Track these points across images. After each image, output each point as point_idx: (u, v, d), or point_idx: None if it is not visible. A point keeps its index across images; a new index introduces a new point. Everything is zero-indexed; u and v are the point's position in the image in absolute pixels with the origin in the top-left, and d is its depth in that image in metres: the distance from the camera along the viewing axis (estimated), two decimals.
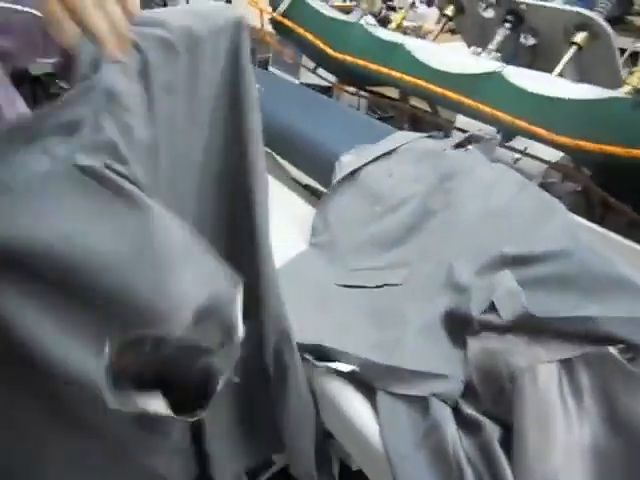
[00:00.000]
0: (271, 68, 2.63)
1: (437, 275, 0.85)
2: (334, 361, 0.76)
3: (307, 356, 0.76)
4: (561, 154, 1.39)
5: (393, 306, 0.85)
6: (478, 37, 1.60)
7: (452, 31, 2.66)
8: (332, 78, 2.10)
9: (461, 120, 1.58)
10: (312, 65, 2.05)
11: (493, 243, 0.82)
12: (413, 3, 1.97)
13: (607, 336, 0.61)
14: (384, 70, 1.49)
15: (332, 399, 0.75)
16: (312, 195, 1.27)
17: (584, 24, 1.28)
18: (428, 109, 1.74)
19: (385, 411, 0.70)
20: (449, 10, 1.56)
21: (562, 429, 0.59)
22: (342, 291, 0.94)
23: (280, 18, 1.79)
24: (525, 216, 0.85)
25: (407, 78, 1.46)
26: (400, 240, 0.97)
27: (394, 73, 1.47)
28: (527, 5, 1.36)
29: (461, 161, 1.00)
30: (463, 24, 1.61)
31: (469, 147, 1.05)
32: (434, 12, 3.17)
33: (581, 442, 0.59)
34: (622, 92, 1.14)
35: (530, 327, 0.66)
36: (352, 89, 2.06)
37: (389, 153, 1.12)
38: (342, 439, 0.77)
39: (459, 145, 1.08)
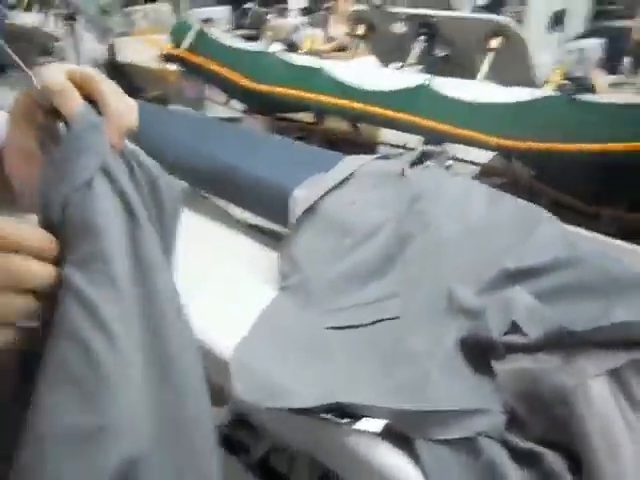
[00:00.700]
0: (171, 107, 2.54)
1: (436, 302, 0.81)
2: (358, 417, 0.70)
3: (325, 416, 0.69)
4: (491, 154, 1.43)
5: (398, 342, 0.80)
6: (390, 53, 1.62)
7: (342, 49, 2.71)
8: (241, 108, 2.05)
9: (384, 135, 1.59)
10: (221, 98, 1.99)
11: (488, 260, 0.80)
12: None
13: None
14: (309, 96, 1.46)
15: (363, 459, 0.68)
16: (264, 235, 1.20)
17: (499, 30, 1.32)
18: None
19: (429, 461, 0.64)
20: (360, 30, 1.57)
21: (630, 446, 0.57)
22: (336, 335, 0.87)
23: (185, 54, 1.71)
24: (511, 227, 0.84)
25: (333, 101, 1.44)
26: (381, 271, 0.93)
27: (322, 97, 1.44)
28: (441, 17, 1.39)
29: (425, 180, 0.98)
30: (375, 42, 1.63)
31: (428, 164, 1.04)
32: (319, 33, 3.24)
33: None
34: (549, 90, 1.19)
35: (562, 342, 0.64)
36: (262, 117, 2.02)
37: (345, 180, 1.08)
38: None
39: (414, 164, 1.06)
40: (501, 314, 0.70)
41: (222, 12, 4.18)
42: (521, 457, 0.62)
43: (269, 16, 3.92)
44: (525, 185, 1.30)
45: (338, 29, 3.54)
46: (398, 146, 1.57)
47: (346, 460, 0.69)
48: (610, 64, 2.80)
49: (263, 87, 1.61)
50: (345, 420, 0.69)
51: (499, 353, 0.68)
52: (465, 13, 1.42)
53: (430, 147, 1.08)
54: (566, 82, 1.34)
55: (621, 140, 1.10)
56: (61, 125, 0.41)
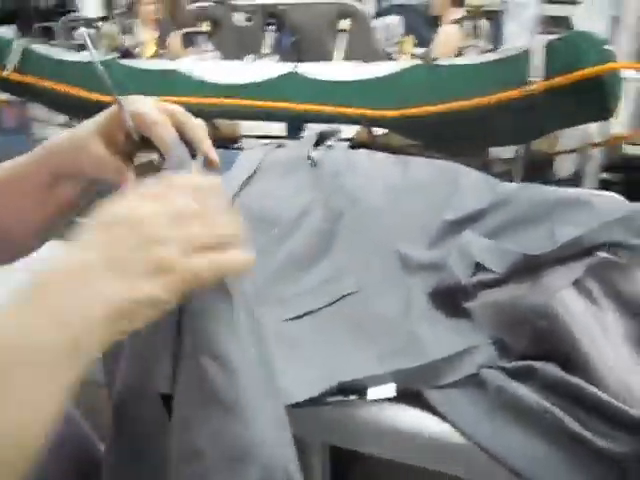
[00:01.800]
0: None
1: (390, 267, 0.86)
2: (362, 392, 0.71)
3: (334, 399, 0.70)
4: (357, 128, 1.53)
5: (367, 314, 0.83)
6: (239, 47, 1.62)
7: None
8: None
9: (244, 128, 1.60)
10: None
11: (426, 217, 0.86)
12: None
13: (594, 246, 0.70)
14: (170, 99, 1.40)
15: (386, 427, 0.70)
16: None
17: (346, 12, 1.40)
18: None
19: (444, 406, 0.69)
20: (205, 26, 1.54)
21: (608, 344, 0.67)
22: (298, 324, 0.87)
23: (12, 76, 1.52)
24: (435, 184, 0.91)
25: (196, 100, 1.40)
26: (321, 252, 0.95)
27: (183, 99, 1.39)
28: (288, 5, 1.43)
29: (336, 158, 1.02)
30: (221, 38, 1.61)
31: (330, 143, 1.07)
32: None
33: (619, 338, 0.67)
34: (409, 61, 1.30)
35: (526, 269, 0.72)
36: None
37: (252, 175, 1.07)
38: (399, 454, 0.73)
39: (316, 145, 1.09)
40: (462, 259, 0.77)
41: (7, 32, 3.77)
42: (518, 376, 0.69)
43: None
44: (397, 151, 1.40)
45: (147, 34, 3.40)
46: (262, 137, 1.59)
47: (369, 435, 0.71)
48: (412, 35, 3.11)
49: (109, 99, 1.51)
50: (354, 397, 0.70)
51: (471, 295, 0.75)
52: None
53: (326, 128, 1.12)
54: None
55: (470, 96, 1.24)
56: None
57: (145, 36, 3.49)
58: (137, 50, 2.06)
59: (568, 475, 0.61)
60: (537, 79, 1.09)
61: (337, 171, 0.99)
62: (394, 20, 3.19)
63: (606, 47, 1.22)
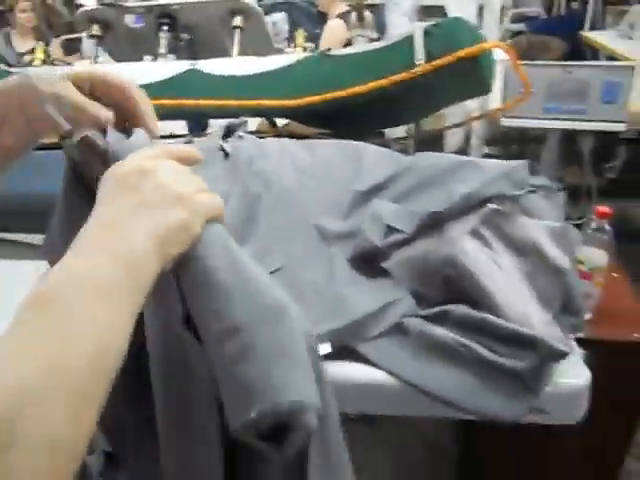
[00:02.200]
0: None
1: (310, 241, 0.92)
2: None
3: None
4: (259, 120, 1.58)
5: (295, 285, 0.88)
6: (131, 49, 1.61)
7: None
8: None
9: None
10: None
11: (338, 191, 0.94)
12: None
13: (484, 199, 0.81)
14: None
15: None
16: None
17: (237, 9, 1.44)
18: None
19: (375, 355, 0.77)
20: (95, 30, 1.52)
21: (500, 274, 0.77)
22: None
23: None
24: (342, 161, 0.98)
25: None
26: (242, 236, 0.99)
27: None
28: (179, 5, 1.45)
29: (247, 147, 1.06)
30: (113, 41, 1.59)
31: (240, 134, 1.11)
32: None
33: (514, 275, 0.78)
34: (303, 54, 1.36)
35: (429, 225, 0.82)
36: None
37: None
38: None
39: (225, 137, 1.13)
40: (375, 224, 0.85)
41: None
42: (435, 320, 0.79)
43: None
44: (300, 139, 1.46)
45: (26, 44, 3.22)
46: (164, 137, 1.59)
47: None
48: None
49: None
50: None
51: (386, 255, 0.83)
52: None
53: (233, 120, 1.16)
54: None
55: (363, 82, 1.34)
56: None
57: (24, 45, 3.31)
58: (26, 58, 1.96)
59: (484, 394, 0.71)
60: (421, 62, 1.21)
61: (250, 158, 1.04)
62: (280, 17, 3.28)
63: (478, 31, 1.36)
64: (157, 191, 0.40)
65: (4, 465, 0.28)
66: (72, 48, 3.13)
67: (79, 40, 2.88)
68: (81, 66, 1.55)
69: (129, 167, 0.41)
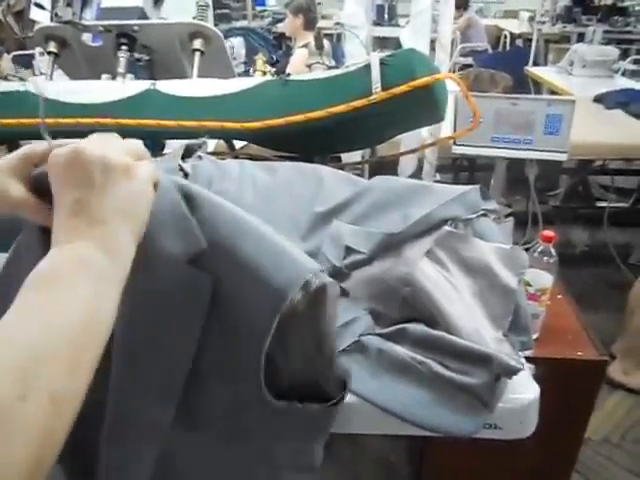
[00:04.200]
0: None
1: None
2: None
3: None
4: (215, 142, 1.59)
5: None
6: (88, 67, 1.59)
7: None
8: None
9: None
10: None
11: (297, 212, 0.95)
12: None
13: (439, 221, 0.84)
14: (12, 122, 1.35)
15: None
16: None
17: (197, 32, 1.45)
18: None
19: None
20: (52, 47, 1.50)
21: (459, 298, 0.80)
22: None
23: None
24: (301, 182, 1.00)
25: (51, 121, 1.37)
26: None
27: (28, 120, 1.35)
28: (139, 26, 1.45)
29: (206, 167, 1.07)
30: (70, 59, 1.57)
31: (199, 154, 1.12)
32: None
33: (467, 294, 0.82)
34: (262, 78, 1.39)
35: (387, 246, 0.84)
36: None
37: None
38: None
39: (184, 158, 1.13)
40: (334, 245, 0.87)
41: None
42: (393, 338, 0.81)
43: None
44: (257, 160, 1.48)
45: None
46: None
47: None
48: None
49: None
50: None
51: (345, 275, 0.85)
52: (162, 20, 1.50)
53: (192, 141, 1.16)
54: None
55: (322, 107, 1.37)
56: None
57: None
58: None
59: (440, 410, 0.73)
60: (377, 90, 1.25)
61: (210, 179, 1.04)
62: (237, 42, 3.33)
63: (431, 62, 1.42)
64: (98, 169, 0.44)
65: (21, 413, 0.32)
66: (23, 64, 3.07)
67: (32, 56, 2.83)
68: (33, 82, 1.52)
69: (65, 155, 0.44)
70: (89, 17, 1.53)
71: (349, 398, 0.76)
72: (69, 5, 1.57)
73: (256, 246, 0.53)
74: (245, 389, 0.55)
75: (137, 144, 0.51)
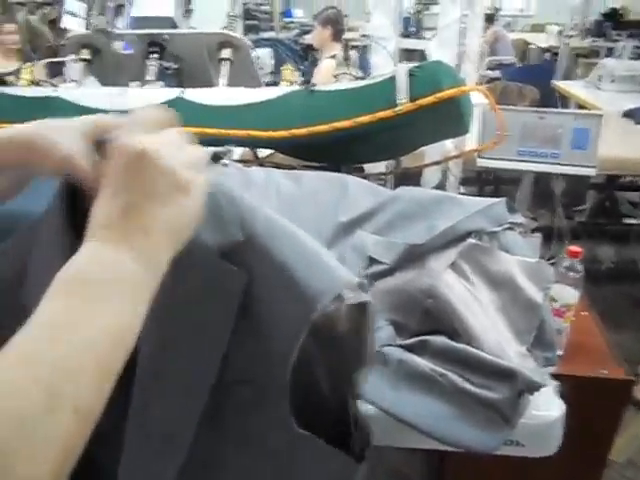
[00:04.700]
0: None
1: None
2: None
3: None
4: (241, 150, 1.61)
5: None
6: (119, 75, 1.63)
7: None
8: None
9: None
10: None
11: (321, 221, 0.96)
12: None
13: (464, 233, 0.84)
14: None
15: None
16: None
17: (226, 42, 1.48)
18: None
19: None
20: (85, 54, 1.54)
21: (481, 311, 0.80)
22: None
23: None
24: (326, 191, 1.00)
25: None
26: None
27: None
28: (169, 35, 1.48)
29: (233, 175, 1.08)
30: (102, 66, 1.61)
31: (225, 162, 1.13)
32: None
33: (491, 308, 0.81)
34: (289, 87, 1.40)
35: (411, 257, 0.84)
36: None
37: None
38: None
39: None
40: (357, 255, 0.87)
41: None
42: (414, 349, 0.80)
43: None
44: (283, 169, 1.49)
45: (10, 64, 3.22)
46: None
47: None
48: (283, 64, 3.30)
49: None
50: None
51: (367, 285, 0.85)
52: (191, 30, 1.54)
53: (218, 148, 1.17)
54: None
55: (347, 117, 1.38)
56: None
57: (8, 66, 3.31)
58: (9, 79, 1.97)
59: (461, 424, 0.72)
60: (403, 101, 1.25)
61: (235, 185, 1.05)
62: (264, 52, 3.37)
63: (458, 74, 1.42)
64: (163, 179, 0.42)
65: (46, 429, 0.31)
66: (56, 71, 3.14)
67: (63, 63, 2.90)
68: (66, 88, 1.56)
69: (135, 153, 0.42)
70: (121, 26, 1.57)
71: (367, 409, 0.76)
72: (102, 14, 1.61)
73: (292, 249, 0.51)
74: (270, 408, 0.51)
75: (202, 156, 0.49)
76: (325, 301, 0.47)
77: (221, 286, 0.48)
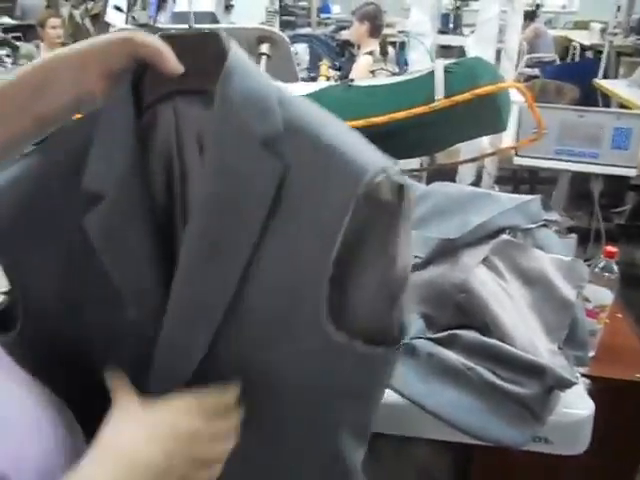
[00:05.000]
0: None
1: None
2: None
3: None
4: None
5: None
6: None
7: None
8: None
9: None
10: None
11: None
12: None
13: (498, 229, 0.84)
14: None
15: None
16: None
17: (265, 36, 1.50)
18: None
19: None
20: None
21: (512, 306, 0.80)
22: None
23: None
24: None
25: None
26: None
27: None
28: (209, 30, 1.50)
29: None
30: None
31: None
32: None
33: (522, 304, 0.81)
34: (327, 82, 1.42)
35: (444, 252, 0.85)
36: None
37: None
38: None
39: None
40: None
41: None
42: (444, 343, 0.81)
43: None
44: None
45: None
46: None
47: None
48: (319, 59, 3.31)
49: None
50: None
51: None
52: (231, 24, 1.56)
53: None
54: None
55: (384, 112, 1.38)
56: None
57: None
58: None
59: (489, 418, 0.72)
60: (440, 97, 1.25)
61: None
62: (301, 48, 3.39)
63: (497, 71, 1.41)
64: (186, 465, 0.46)
65: None
66: None
67: None
68: None
69: (176, 428, 0.46)
70: (163, 20, 1.60)
71: (396, 399, 0.77)
72: (144, 9, 1.65)
73: (337, 133, 0.50)
74: (305, 308, 0.50)
75: (225, 404, 0.50)
76: (371, 174, 0.46)
77: (258, 173, 0.48)
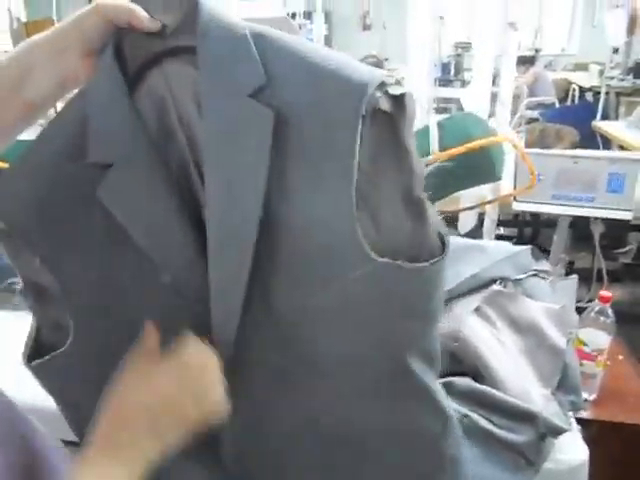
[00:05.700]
0: None
1: None
2: None
3: None
4: None
5: None
6: None
7: None
8: None
9: None
10: None
11: None
12: None
13: (489, 280, 0.88)
14: None
15: None
16: None
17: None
18: None
19: None
20: None
21: (504, 354, 0.83)
22: None
23: None
24: None
25: None
26: None
27: None
28: None
29: None
30: None
31: None
32: None
33: (514, 351, 0.84)
34: None
35: None
36: None
37: None
38: None
39: None
40: None
41: None
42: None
43: None
44: None
45: None
46: None
47: None
48: None
49: None
50: None
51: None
52: None
53: None
54: None
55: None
56: None
57: None
58: None
59: (484, 465, 0.75)
60: (435, 151, 1.32)
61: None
62: None
63: (488, 124, 1.48)
64: (174, 429, 0.50)
65: None
66: None
67: None
68: None
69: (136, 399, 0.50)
70: None
71: None
72: None
73: (327, 57, 0.49)
74: (342, 241, 0.50)
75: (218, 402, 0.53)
76: (371, 88, 0.47)
77: (251, 124, 0.49)
